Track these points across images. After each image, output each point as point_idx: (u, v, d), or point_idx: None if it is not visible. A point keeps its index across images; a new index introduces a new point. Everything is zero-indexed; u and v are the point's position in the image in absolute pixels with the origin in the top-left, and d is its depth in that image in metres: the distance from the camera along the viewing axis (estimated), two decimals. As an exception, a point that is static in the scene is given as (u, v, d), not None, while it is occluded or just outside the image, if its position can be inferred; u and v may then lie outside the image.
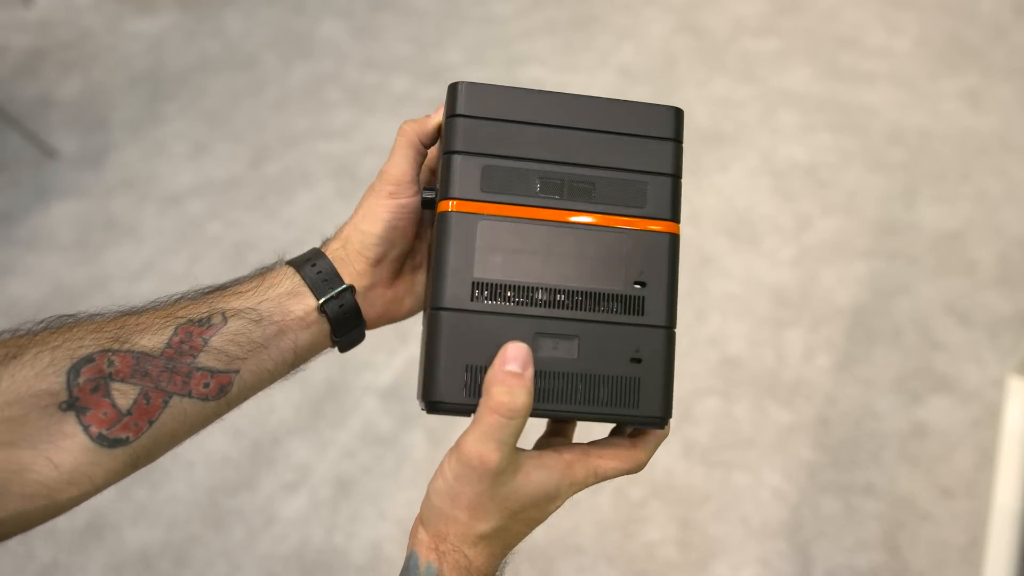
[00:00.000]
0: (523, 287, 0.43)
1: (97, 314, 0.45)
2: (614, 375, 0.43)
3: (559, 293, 0.43)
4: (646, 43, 2.46)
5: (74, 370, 0.42)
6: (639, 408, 0.43)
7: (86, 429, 0.42)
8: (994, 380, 1.55)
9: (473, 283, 0.43)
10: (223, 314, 0.46)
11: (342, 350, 0.52)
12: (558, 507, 0.45)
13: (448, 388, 0.42)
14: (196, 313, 0.46)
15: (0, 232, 2.13)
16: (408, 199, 0.49)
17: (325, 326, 0.49)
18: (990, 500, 1.38)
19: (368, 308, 0.51)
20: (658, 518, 1.42)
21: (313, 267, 0.49)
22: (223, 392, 0.45)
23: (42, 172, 2.28)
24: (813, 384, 1.58)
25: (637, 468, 0.45)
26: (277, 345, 0.47)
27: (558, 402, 0.43)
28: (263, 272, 0.49)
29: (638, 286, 0.44)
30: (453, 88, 0.46)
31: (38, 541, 1.47)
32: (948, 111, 2.11)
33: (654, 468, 1.48)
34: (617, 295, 0.44)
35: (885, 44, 2.34)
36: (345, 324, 0.49)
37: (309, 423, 1.62)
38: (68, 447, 0.42)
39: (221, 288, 0.48)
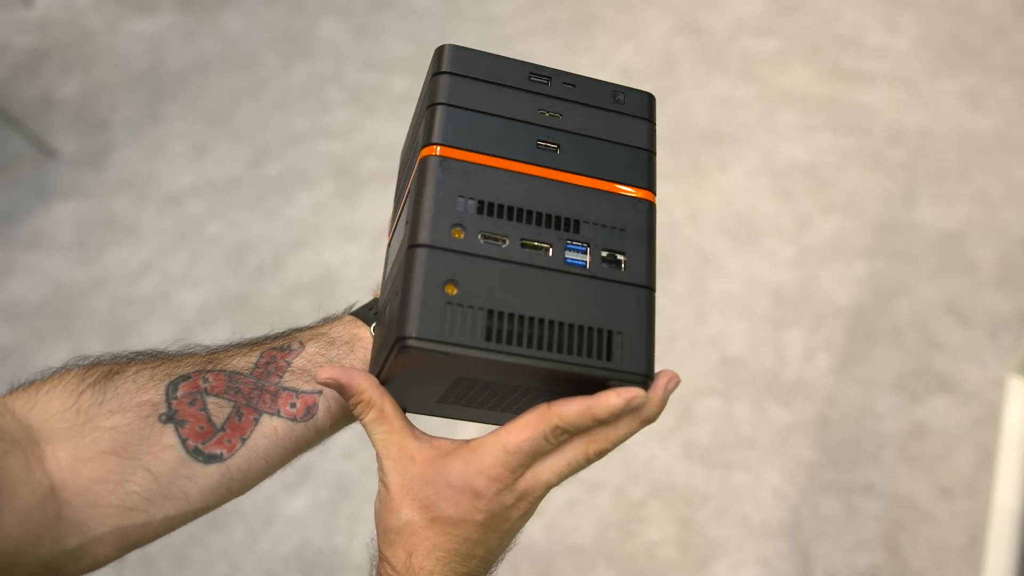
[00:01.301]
0: None
1: (183, 350, 0.48)
2: (390, 315, 0.42)
3: None
4: (646, 43, 2.46)
5: (172, 385, 0.45)
6: (394, 336, 0.40)
7: (183, 442, 0.44)
8: (994, 380, 1.55)
9: None
10: (300, 341, 0.50)
11: None
12: (487, 508, 0.40)
13: None
14: (277, 343, 0.50)
15: (0, 232, 2.13)
16: None
17: None
18: (990, 500, 1.38)
19: None
20: (658, 518, 1.42)
21: (369, 309, 0.52)
22: (310, 413, 0.48)
23: (42, 172, 2.29)
24: (813, 384, 1.58)
25: (550, 431, 0.39)
26: (352, 364, 0.49)
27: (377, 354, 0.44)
28: (328, 319, 0.53)
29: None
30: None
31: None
32: (948, 111, 2.11)
33: (653, 467, 1.48)
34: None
35: (885, 44, 2.34)
36: None
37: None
38: (166, 458, 0.43)
39: (295, 329, 0.52)
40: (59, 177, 2.26)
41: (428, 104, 0.44)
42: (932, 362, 1.59)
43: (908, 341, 1.63)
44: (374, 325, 0.51)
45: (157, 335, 1.82)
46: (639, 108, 0.47)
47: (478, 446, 0.40)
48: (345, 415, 0.50)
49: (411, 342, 0.38)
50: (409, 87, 2.43)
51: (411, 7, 2.75)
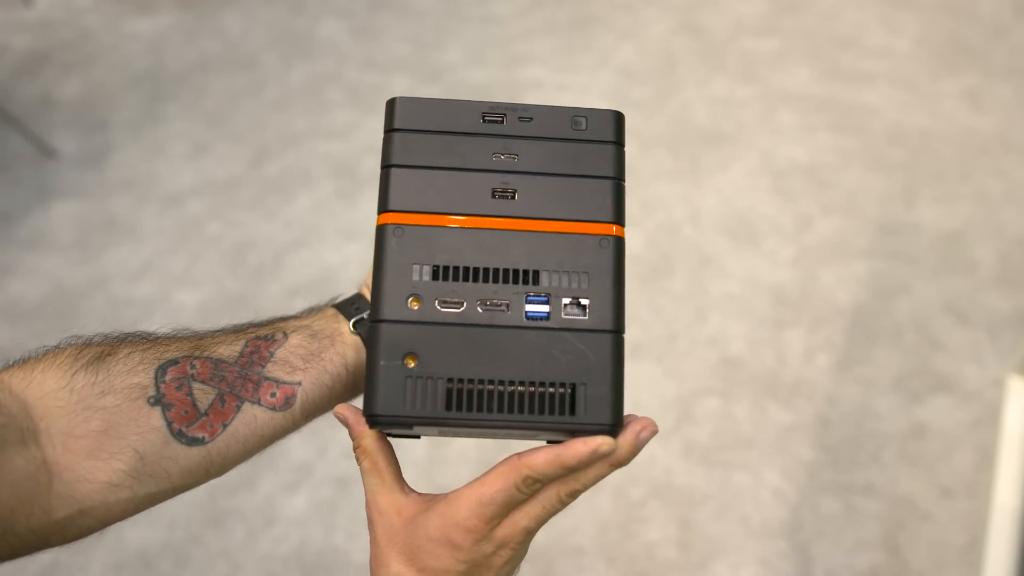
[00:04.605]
0: None
1: (172, 333, 0.51)
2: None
3: None
4: (646, 43, 2.46)
5: (161, 369, 0.47)
6: (363, 412, 0.42)
7: (169, 424, 0.46)
8: (994, 380, 1.55)
9: None
10: (284, 332, 0.52)
11: None
12: (467, 559, 0.41)
13: None
14: (263, 332, 0.52)
15: (0, 232, 2.13)
16: None
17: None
18: (990, 500, 1.38)
19: None
20: (658, 518, 1.42)
21: (352, 304, 0.54)
22: (288, 404, 0.50)
23: (42, 172, 2.28)
24: (813, 384, 1.58)
25: (521, 481, 0.40)
26: (331, 358, 0.51)
27: None
28: (312, 310, 0.55)
29: None
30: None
31: (38, 541, 1.46)
32: (948, 111, 2.11)
33: (653, 467, 1.48)
34: None
35: (885, 44, 2.34)
36: None
37: (309, 423, 1.62)
38: (152, 440, 0.46)
39: (280, 318, 0.54)
40: (59, 177, 2.26)
41: (382, 165, 0.44)
42: (932, 362, 1.59)
43: (908, 341, 1.63)
44: (353, 322, 0.53)
45: (157, 335, 1.82)
46: (603, 131, 0.44)
47: (454, 499, 0.41)
48: (320, 409, 0.53)
49: (378, 419, 0.40)
50: (409, 87, 2.43)
51: (411, 7, 2.75)
